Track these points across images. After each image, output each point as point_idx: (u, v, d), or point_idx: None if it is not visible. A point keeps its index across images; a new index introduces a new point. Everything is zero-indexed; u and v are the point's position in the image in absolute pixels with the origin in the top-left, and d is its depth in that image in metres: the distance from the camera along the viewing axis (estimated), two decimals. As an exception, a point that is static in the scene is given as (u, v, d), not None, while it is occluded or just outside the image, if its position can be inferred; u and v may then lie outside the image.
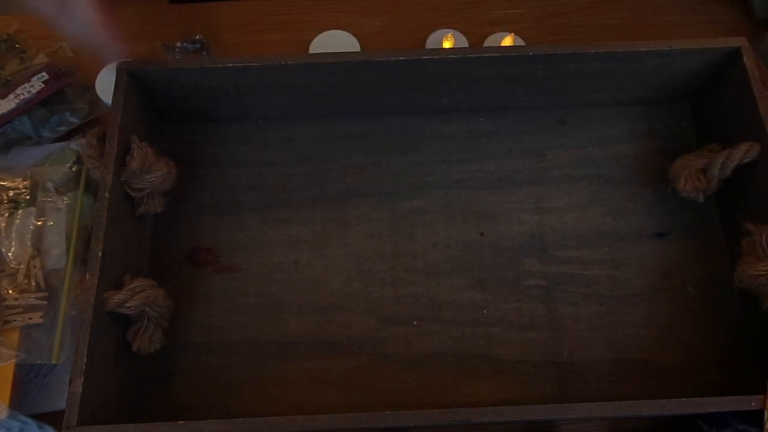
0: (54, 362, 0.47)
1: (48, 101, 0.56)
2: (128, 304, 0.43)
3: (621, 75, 0.52)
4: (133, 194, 0.47)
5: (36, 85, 0.55)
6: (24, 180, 0.52)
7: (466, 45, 0.59)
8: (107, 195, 0.44)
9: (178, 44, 0.59)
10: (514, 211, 0.53)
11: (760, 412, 0.39)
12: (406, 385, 0.48)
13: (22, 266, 0.48)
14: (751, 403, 0.40)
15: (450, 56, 0.49)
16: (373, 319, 0.50)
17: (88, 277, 0.42)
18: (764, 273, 0.43)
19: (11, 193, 0.51)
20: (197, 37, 0.59)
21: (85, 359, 0.40)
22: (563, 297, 0.50)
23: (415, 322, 0.49)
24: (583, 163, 0.55)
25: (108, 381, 0.43)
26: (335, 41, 0.60)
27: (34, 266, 0.48)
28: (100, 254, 0.42)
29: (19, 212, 0.50)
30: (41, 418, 0.45)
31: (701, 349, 0.49)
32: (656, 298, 0.50)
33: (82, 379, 0.39)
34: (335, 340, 0.49)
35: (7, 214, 0.50)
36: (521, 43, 0.59)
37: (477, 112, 0.56)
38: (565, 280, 0.50)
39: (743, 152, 0.47)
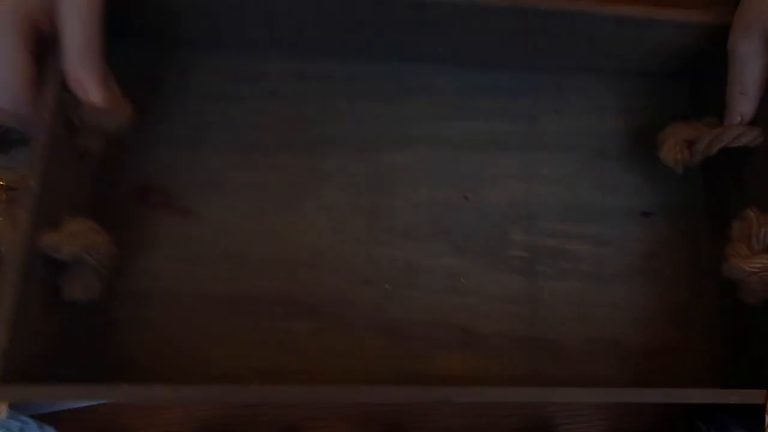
0: (54, 362, 0.47)
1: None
2: (63, 249, 0.38)
3: (628, 42, 0.49)
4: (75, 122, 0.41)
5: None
6: (24, 180, 0.51)
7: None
8: (47, 116, 0.39)
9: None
10: (502, 177, 0.51)
11: (761, 416, 0.39)
12: (374, 352, 0.45)
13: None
14: (729, 397, 0.39)
15: (455, 1, 0.44)
16: (344, 279, 0.46)
17: (20, 213, 0.36)
18: (757, 271, 0.42)
19: (12, 193, 0.51)
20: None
21: (11, 306, 0.35)
22: (544, 271, 0.48)
23: (388, 286, 0.47)
24: (576, 132, 0.52)
25: (38, 332, 0.38)
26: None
27: (34, 266, 0.48)
28: (36, 188, 0.37)
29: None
30: (41, 418, 0.45)
31: (675, 335, 0.48)
32: (635, 280, 0.49)
33: (8, 328, 0.34)
34: (300, 300, 0.45)
35: (6, 215, 0.50)
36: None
37: (471, 66, 0.52)
38: (547, 254, 0.49)
39: (734, 135, 0.45)
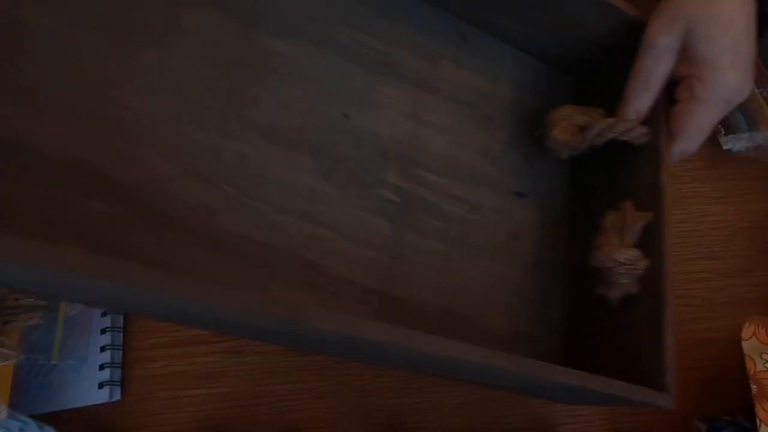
0: (54, 362, 0.47)
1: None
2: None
3: (541, 21, 0.48)
4: None
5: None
6: (24, 180, 0.52)
7: None
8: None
9: None
10: (389, 107, 0.46)
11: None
12: (188, 263, 0.36)
13: (22, 266, 0.48)
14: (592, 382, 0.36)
15: None
16: (173, 163, 0.36)
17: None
18: (626, 262, 0.41)
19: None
20: None
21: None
22: (413, 223, 0.44)
23: (228, 188, 0.38)
24: (471, 89, 0.50)
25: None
26: None
27: (34, 266, 0.48)
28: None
29: (19, 212, 0.50)
30: (41, 418, 0.45)
31: (521, 320, 0.47)
32: (497, 257, 0.47)
33: None
34: (106, 174, 0.34)
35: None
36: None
37: None
38: (420, 206, 0.45)
39: (626, 128, 0.45)
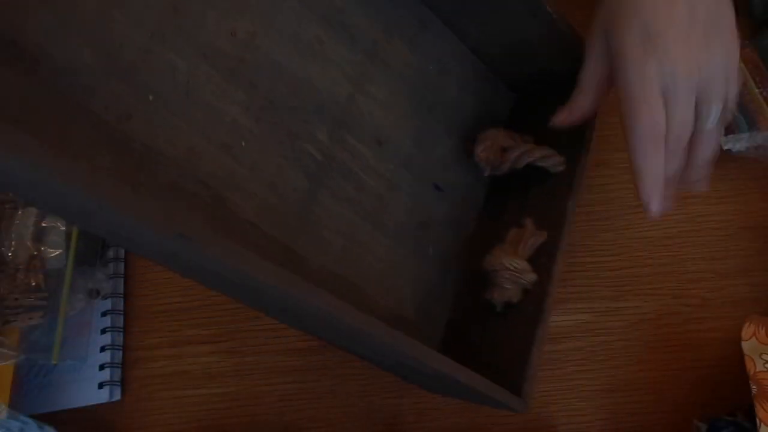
0: (54, 362, 0.47)
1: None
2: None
3: (501, 22, 0.48)
4: None
5: (36, 85, 0.55)
6: (24, 180, 0.52)
7: None
8: None
9: None
10: (336, 66, 0.45)
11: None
12: (91, 157, 0.34)
13: (22, 266, 0.48)
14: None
15: None
16: (97, 56, 0.34)
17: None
18: (514, 268, 0.44)
19: (11, 193, 0.51)
20: None
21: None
22: (330, 185, 0.44)
23: (150, 95, 0.36)
24: (418, 75, 0.51)
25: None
26: None
27: (34, 266, 0.48)
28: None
29: (19, 212, 0.50)
30: (41, 418, 0.45)
31: (409, 306, 0.47)
32: (402, 241, 0.48)
33: None
34: (19, 42, 0.31)
35: (7, 214, 0.50)
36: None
37: None
38: (341, 170, 0.45)
39: (543, 155, 0.48)
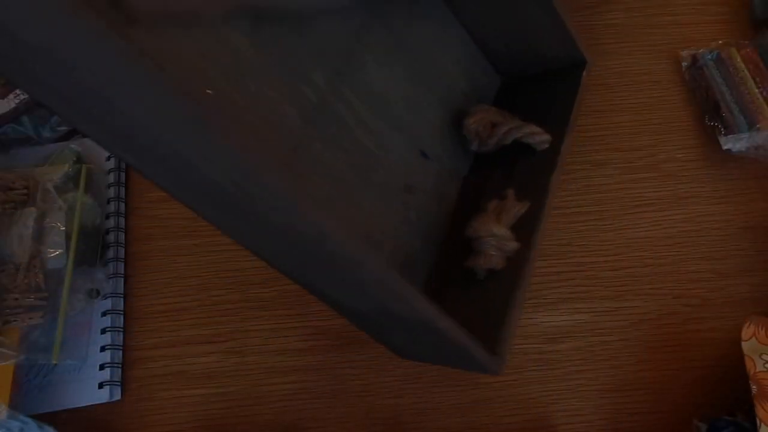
0: (54, 362, 0.47)
1: (48, 101, 0.55)
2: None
3: (504, 6, 0.50)
4: None
5: (36, 85, 0.55)
6: (24, 180, 0.52)
7: None
8: None
9: None
10: (337, 15, 0.46)
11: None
12: None
13: (22, 266, 0.48)
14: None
15: None
16: None
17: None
18: (497, 235, 0.45)
19: (11, 193, 0.51)
20: None
21: None
22: (322, 131, 0.45)
23: None
24: (416, 40, 0.52)
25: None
26: None
27: (34, 266, 0.48)
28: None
29: (19, 212, 0.50)
30: (41, 418, 0.45)
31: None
32: (386, 201, 0.48)
33: None
34: None
35: (7, 214, 0.50)
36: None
37: None
38: (335, 119, 0.45)
39: (530, 132, 0.49)
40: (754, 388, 0.45)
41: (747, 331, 0.49)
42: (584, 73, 0.52)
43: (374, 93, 0.48)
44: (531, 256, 0.45)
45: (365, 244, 0.35)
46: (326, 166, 0.45)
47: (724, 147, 0.56)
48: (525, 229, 0.46)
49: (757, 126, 0.55)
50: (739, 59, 0.59)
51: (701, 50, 0.61)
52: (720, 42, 0.61)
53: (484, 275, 0.46)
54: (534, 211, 0.47)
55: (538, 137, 0.49)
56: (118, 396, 0.49)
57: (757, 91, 0.57)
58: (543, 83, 0.51)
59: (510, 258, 0.45)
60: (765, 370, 0.46)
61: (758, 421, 0.43)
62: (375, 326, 0.47)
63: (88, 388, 0.48)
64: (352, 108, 0.47)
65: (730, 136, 0.56)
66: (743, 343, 0.48)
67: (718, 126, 0.57)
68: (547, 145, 0.50)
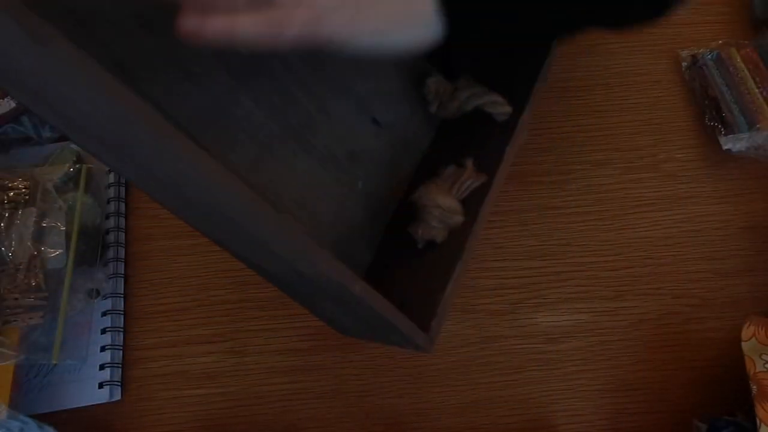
0: (54, 362, 0.47)
1: (48, 101, 0.56)
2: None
3: None
4: None
5: (36, 85, 0.55)
6: (24, 180, 0.52)
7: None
8: None
9: None
10: None
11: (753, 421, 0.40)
12: None
13: (22, 266, 0.48)
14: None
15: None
16: None
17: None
18: (442, 205, 0.43)
19: (11, 193, 0.51)
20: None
21: None
22: (250, 85, 0.42)
23: None
24: None
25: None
26: None
27: (34, 266, 0.48)
28: None
29: (19, 212, 0.50)
30: (41, 418, 0.45)
31: (325, 236, 0.45)
32: (327, 167, 0.46)
33: None
34: None
35: (7, 214, 0.50)
36: None
37: None
38: (266, 72, 0.43)
39: (491, 101, 0.47)
40: (754, 388, 0.45)
41: (747, 332, 0.49)
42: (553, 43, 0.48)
43: (316, 53, 0.43)
44: (475, 230, 0.42)
45: (264, 201, 0.29)
46: (254, 123, 0.41)
47: (724, 147, 0.56)
48: (474, 201, 0.43)
49: (757, 126, 0.55)
50: (739, 59, 0.59)
51: (701, 50, 0.61)
52: (720, 42, 0.61)
53: (423, 245, 0.43)
54: (485, 182, 0.44)
55: (499, 107, 0.47)
56: (118, 396, 0.49)
57: (757, 91, 0.57)
58: (508, 53, 0.48)
59: (453, 231, 0.43)
60: (765, 370, 0.46)
61: (758, 421, 0.43)
62: (303, 295, 0.44)
63: (88, 388, 0.48)
64: (288, 65, 0.43)
65: (730, 136, 0.56)
66: (743, 344, 0.48)
67: (718, 126, 0.57)
68: (506, 117, 0.47)
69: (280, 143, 0.43)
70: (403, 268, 0.45)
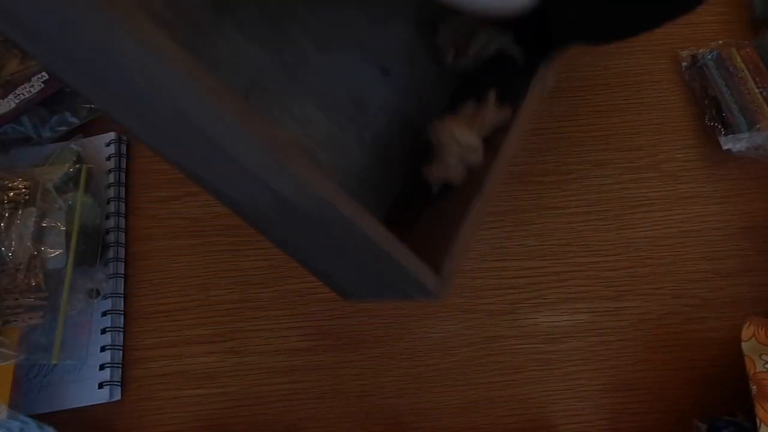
0: (54, 362, 0.47)
1: (48, 101, 0.55)
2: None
3: None
4: None
5: (36, 85, 0.55)
6: (24, 180, 0.52)
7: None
8: None
9: None
10: None
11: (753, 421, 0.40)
12: None
13: (22, 266, 0.48)
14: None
15: None
16: None
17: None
18: (462, 143, 0.37)
19: (11, 193, 0.51)
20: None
21: None
22: (240, 16, 0.40)
23: None
24: None
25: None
26: None
27: (34, 266, 0.48)
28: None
29: (19, 212, 0.50)
30: (41, 418, 0.45)
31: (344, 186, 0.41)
32: (331, 114, 0.43)
33: None
34: None
35: (7, 214, 0.50)
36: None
37: None
38: (259, 5, 0.40)
39: (510, 43, 0.43)
40: (754, 388, 0.45)
41: (747, 332, 0.49)
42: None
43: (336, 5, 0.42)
44: (495, 166, 0.37)
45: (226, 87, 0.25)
46: (242, 58, 0.38)
47: (724, 147, 0.56)
48: (495, 138, 0.39)
49: (757, 126, 0.55)
50: (739, 59, 0.59)
51: (701, 50, 0.61)
52: (720, 42, 0.61)
53: (439, 189, 0.40)
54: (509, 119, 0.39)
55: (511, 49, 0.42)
56: (118, 396, 0.49)
57: (757, 91, 0.57)
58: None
59: (472, 171, 0.38)
60: (765, 370, 0.46)
61: (758, 421, 0.43)
62: (284, 234, 0.41)
63: (88, 388, 0.48)
64: (285, 4, 0.41)
65: (730, 136, 0.56)
66: (743, 344, 0.48)
67: (718, 126, 0.57)
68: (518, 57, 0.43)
69: (271, 78, 0.39)
70: (415, 220, 0.40)
